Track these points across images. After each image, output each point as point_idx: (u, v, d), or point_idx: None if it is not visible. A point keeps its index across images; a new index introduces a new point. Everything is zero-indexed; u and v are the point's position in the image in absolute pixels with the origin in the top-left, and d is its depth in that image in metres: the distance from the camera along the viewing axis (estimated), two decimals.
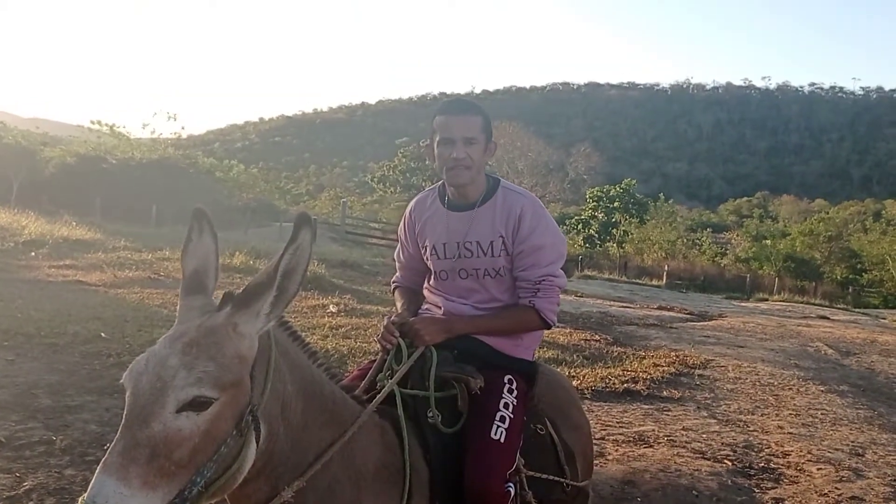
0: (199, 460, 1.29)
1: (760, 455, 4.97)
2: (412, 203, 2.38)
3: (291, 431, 1.54)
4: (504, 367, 2.14)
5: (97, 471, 1.22)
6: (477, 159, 2.13)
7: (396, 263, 2.47)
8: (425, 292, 2.37)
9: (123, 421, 1.28)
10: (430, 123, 2.18)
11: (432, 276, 2.31)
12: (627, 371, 7.31)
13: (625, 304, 15.68)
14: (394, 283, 2.48)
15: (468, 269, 2.20)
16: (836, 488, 4.37)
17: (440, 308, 2.26)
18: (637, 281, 28.39)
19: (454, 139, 2.11)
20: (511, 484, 1.93)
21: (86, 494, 1.20)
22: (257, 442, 1.40)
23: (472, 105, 2.19)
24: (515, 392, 2.08)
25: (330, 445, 1.63)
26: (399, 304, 2.36)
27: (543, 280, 2.13)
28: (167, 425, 1.25)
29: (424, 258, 2.31)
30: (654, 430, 5.35)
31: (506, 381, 2.09)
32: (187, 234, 1.57)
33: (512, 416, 2.02)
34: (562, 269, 2.20)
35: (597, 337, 9.49)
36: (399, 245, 2.45)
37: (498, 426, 1.97)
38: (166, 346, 1.35)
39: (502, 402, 2.03)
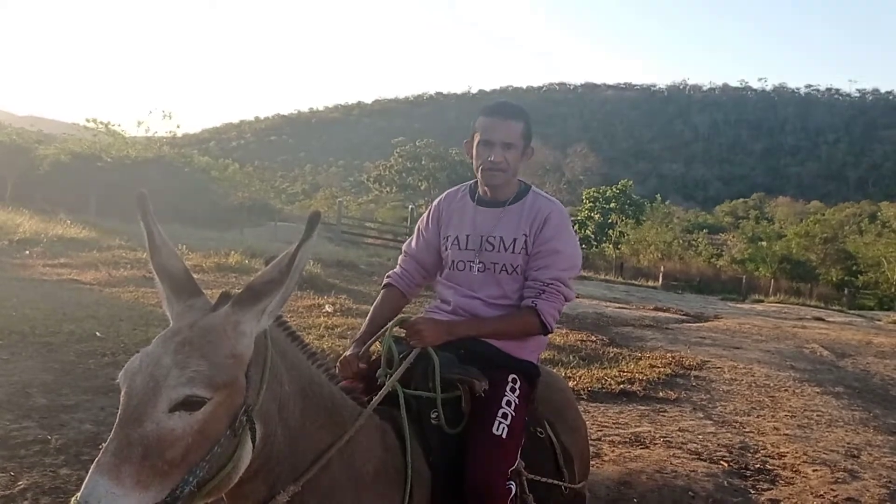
0: (192, 460, 1.29)
1: (756, 456, 4.98)
2: (442, 195, 2.44)
3: (289, 432, 1.53)
4: (508, 367, 2.15)
5: (90, 470, 1.23)
6: (513, 163, 2.20)
7: (402, 256, 2.46)
8: (437, 286, 2.38)
9: (117, 420, 1.28)
10: (474, 121, 2.25)
11: (446, 268, 2.33)
12: (623, 372, 7.32)
13: (621, 305, 15.69)
14: (387, 278, 2.44)
15: (486, 262, 2.22)
16: (831, 489, 4.38)
17: (449, 303, 2.26)
18: (633, 282, 28.44)
19: (494, 142, 2.18)
20: (512, 482, 1.93)
21: (78, 494, 1.20)
22: (253, 442, 1.39)
23: (516, 111, 2.23)
24: (518, 391, 2.09)
25: (328, 447, 1.62)
26: (369, 317, 2.30)
27: (552, 283, 2.15)
28: (160, 425, 1.25)
29: (443, 248, 2.33)
30: (650, 431, 5.36)
31: (509, 379, 2.11)
32: (146, 227, 1.51)
33: (514, 413, 2.03)
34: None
35: (593, 338, 9.49)
36: (414, 235, 2.46)
37: (500, 422, 1.98)
38: (160, 345, 1.35)
39: (504, 399, 2.04)
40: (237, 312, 1.38)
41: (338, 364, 2.07)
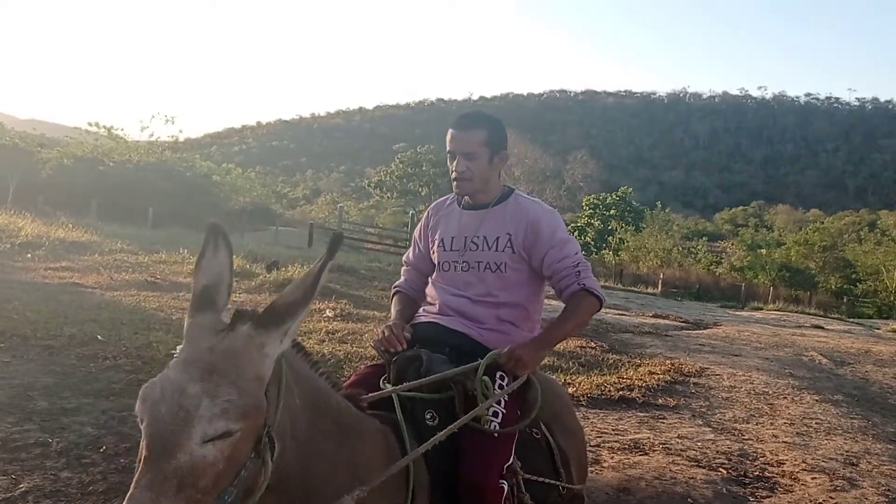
0: (222, 485, 1.27)
1: (755, 464, 4.98)
2: (432, 205, 2.55)
3: (298, 444, 1.52)
4: (496, 365, 2.16)
5: None
6: (478, 172, 2.26)
7: (403, 267, 2.59)
8: (427, 287, 2.46)
9: (145, 453, 1.25)
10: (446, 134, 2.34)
11: (435, 271, 2.42)
12: (623, 379, 7.31)
13: (620, 312, 15.67)
14: (395, 287, 2.56)
15: (471, 261, 2.29)
16: (830, 497, 4.38)
17: (436, 302, 2.33)
18: (632, 289, 28.40)
19: (455, 153, 2.26)
20: (504, 481, 1.95)
21: None
22: (272, 460, 1.39)
23: (477, 120, 2.29)
24: (507, 387, 2.12)
25: (335, 467, 1.63)
26: (394, 311, 2.44)
27: (579, 263, 2.25)
28: (193, 455, 1.23)
29: (431, 252, 2.42)
30: (649, 438, 5.36)
31: (497, 376, 2.13)
32: (202, 249, 1.51)
33: (504, 410, 2.05)
34: None
35: (592, 344, 9.49)
36: (411, 246, 2.57)
37: (491, 420, 2.01)
38: (181, 371, 1.30)
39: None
40: (262, 335, 1.34)
41: (382, 330, 2.18)
